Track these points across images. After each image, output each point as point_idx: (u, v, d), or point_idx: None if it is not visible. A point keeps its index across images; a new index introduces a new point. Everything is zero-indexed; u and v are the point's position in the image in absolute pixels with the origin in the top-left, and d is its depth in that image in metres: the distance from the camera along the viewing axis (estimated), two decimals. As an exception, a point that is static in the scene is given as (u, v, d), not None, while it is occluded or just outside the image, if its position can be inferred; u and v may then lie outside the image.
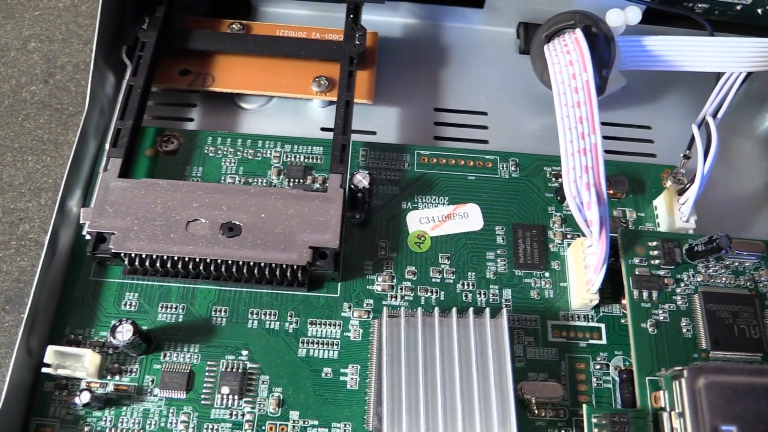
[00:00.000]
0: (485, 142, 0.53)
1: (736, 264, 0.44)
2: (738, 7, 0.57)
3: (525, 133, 0.53)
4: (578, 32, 0.46)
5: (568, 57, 0.45)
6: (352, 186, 0.44)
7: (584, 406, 0.39)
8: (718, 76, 0.53)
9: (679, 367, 0.37)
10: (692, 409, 0.36)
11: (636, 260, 0.43)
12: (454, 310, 0.41)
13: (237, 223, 0.43)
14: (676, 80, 0.56)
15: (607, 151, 0.53)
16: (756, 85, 0.56)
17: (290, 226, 0.43)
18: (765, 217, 0.51)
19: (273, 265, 0.42)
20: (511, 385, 0.39)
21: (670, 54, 0.52)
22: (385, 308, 0.41)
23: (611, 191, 0.49)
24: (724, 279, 0.43)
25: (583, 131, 0.42)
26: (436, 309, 0.41)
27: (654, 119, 0.55)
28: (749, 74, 0.53)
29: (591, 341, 0.44)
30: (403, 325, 0.41)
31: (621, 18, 0.50)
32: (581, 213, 0.41)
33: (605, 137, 0.54)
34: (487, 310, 0.41)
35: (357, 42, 0.50)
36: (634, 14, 0.50)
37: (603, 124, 0.54)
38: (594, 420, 0.38)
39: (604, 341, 0.44)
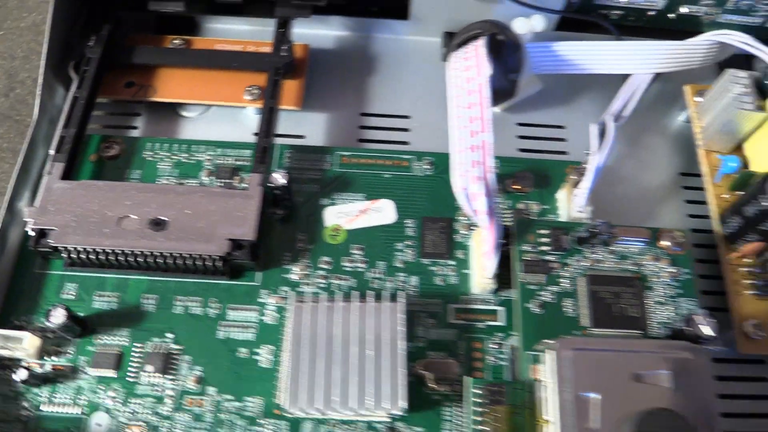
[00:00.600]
0: (407, 143, 0.57)
1: (622, 249, 0.47)
2: (651, 13, 0.60)
3: (445, 135, 0.57)
4: (479, 40, 0.50)
5: (466, 63, 0.49)
6: (270, 184, 0.49)
7: (465, 377, 0.42)
8: (625, 77, 0.57)
9: (551, 341, 0.41)
10: (559, 378, 0.39)
11: (527, 247, 0.47)
12: (356, 295, 0.45)
13: (164, 218, 0.47)
14: (589, 82, 0.60)
15: (522, 150, 0.57)
16: (668, 85, 0.60)
17: (212, 221, 0.47)
18: (670, 209, 0.55)
19: (195, 255, 0.47)
20: (403, 361, 0.43)
21: (578, 58, 0.56)
22: (292, 294, 0.45)
23: (517, 186, 0.52)
24: (610, 263, 0.47)
25: (474, 129, 0.46)
26: (339, 294, 0.45)
27: (568, 119, 0.59)
28: (656, 76, 0.57)
29: (489, 323, 0.47)
30: (308, 309, 0.45)
31: (526, 26, 0.54)
32: (469, 203, 0.45)
33: (521, 137, 0.58)
34: (387, 294, 0.45)
35: (282, 53, 0.55)
36: (538, 22, 0.54)
37: (520, 124, 0.59)
38: (475, 391, 0.42)
39: (501, 323, 0.47)
